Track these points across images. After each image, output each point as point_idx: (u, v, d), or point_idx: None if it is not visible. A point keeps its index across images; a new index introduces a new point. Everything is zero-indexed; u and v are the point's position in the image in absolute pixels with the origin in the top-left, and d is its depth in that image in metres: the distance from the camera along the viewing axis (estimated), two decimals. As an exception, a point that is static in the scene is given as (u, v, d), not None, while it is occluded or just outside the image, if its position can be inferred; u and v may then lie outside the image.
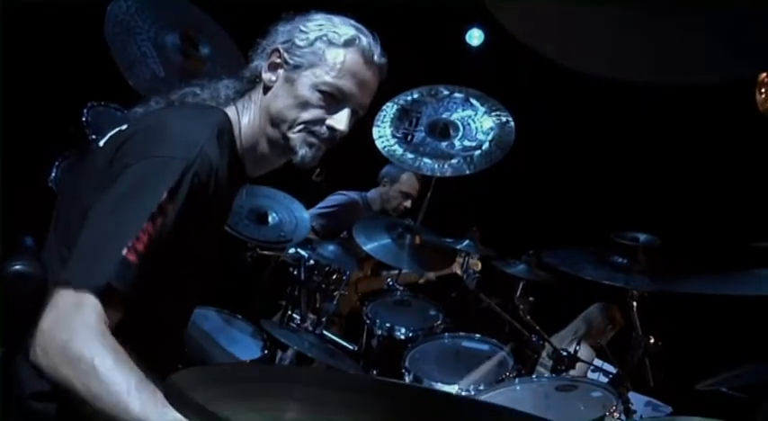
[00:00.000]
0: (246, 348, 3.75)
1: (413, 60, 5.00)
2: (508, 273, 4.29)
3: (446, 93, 4.09)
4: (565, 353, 3.84)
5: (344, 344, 4.18)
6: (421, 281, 5.05)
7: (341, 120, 1.97)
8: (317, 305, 4.30)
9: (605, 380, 3.44)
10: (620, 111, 5.98)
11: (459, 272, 4.63)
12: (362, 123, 2.13)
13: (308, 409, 0.80)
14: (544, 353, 4.40)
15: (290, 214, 4.12)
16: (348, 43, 1.96)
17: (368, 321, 4.12)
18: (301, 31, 1.98)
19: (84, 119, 3.43)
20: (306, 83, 1.94)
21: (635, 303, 3.36)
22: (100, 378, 1.49)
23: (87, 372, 1.50)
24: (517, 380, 3.28)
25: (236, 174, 1.98)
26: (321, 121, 1.96)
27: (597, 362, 4.74)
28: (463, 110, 4.10)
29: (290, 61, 1.96)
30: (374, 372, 4.01)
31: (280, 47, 1.98)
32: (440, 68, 5.06)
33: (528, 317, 4.11)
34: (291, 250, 4.21)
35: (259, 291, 4.45)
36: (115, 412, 1.47)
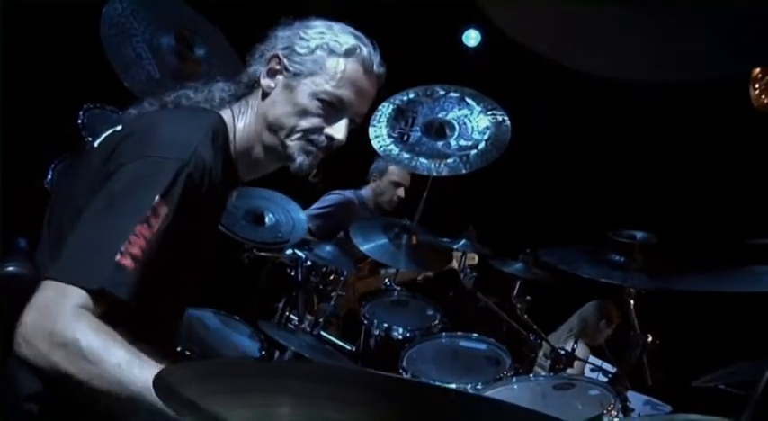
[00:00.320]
0: (244, 349, 3.75)
1: (409, 61, 5.01)
2: (505, 271, 4.29)
3: (442, 92, 4.09)
4: (562, 352, 3.84)
5: (342, 344, 4.18)
6: (419, 278, 5.05)
7: (339, 130, 1.98)
8: (315, 306, 4.30)
9: (605, 379, 3.44)
10: (616, 110, 5.99)
11: (456, 266, 4.63)
12: (360, 125, 2.13)
13: (301, 404, 0.80)
14: (541, 353, 4.40)
15: (287, 215, 4.12)
16: (349, 53, 1.97)
17: (365, 321, 4.11)
18: (302, 38, 1.98)
19: (79, 121, 3.43)
20: (305, 91, 1.95)
21: (632, 301, 3.36)
22: (89, 357, 1.50)
23: (77, 354, 1.51)
24: (515, 378, 3.29)
25: (228, 176, 1.98)
26: (319, 130, 1.97)
27: (596, 361, 4.74)
28: (459, 109, 4.10)
29: (290, 68, 1.96)
30: (372, 372, 4.00)
31: (279, 53, 1.98)
32: (436, 69, 5.06)
33: (525, 316, 4.11)
34: (288, 251, 4.21)
35: (256, 293, 4.45)
36: (115, 388, 1.48)
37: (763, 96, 1.67)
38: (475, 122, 4.09)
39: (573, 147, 6.43)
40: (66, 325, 1.53)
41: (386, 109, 4.09)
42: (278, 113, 1.96)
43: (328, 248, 4.26)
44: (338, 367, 2.94)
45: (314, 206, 5.03)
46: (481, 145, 4.07)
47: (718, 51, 0.84)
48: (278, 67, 1.98)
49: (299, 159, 1.98)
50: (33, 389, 1.70)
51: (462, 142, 4.10)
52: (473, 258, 4.77)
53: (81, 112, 3.45)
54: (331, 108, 1.96)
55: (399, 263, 4.31)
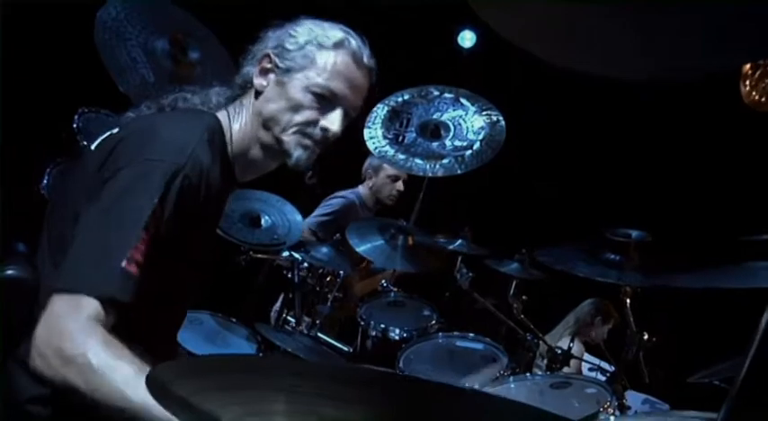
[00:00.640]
0: (241, 351, 3.75)
1: (404, 62, 5.02)
2: (501, 271, 4.30)
3: (436, 93, 4.09)
4: (559, 351, 3.85)
5: (339, 345, 4.18)
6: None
7: (334, 121, 1.98)
8: (312, 307, 4.30)
9: (603, 378, 3.45)
10: (610, 110, 6.00)
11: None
12: (353, 124, 2.14)
13: (295, 400, 0.80)
14: (537, 354, 4.41)
15: (283, 217, 4.13)
16: (338, 45, 1.98)
17: (362, 322, 4.12)
18: (291, 35, 1.99)
19: (75, 125, 3.44)
20: (297, 85, 1.96)
21: (628, 300, 3.36)
22: (97, 372, 1.51)
23: (85, 368, 1.51)
24: (511, 378, 3.29)
25: (226, 177, 1.98)
26: (314, 123, 1.98)
27: (594, 360, 4.75)
28: (453, 110, 4.10)
29: (281, 65, 1.97)
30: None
31: (270, 52, 1.99)
32: (431, 70, 5.07)
33: (522, 316, 4.12)
34: (285, 253, 4.21)
35: (253, 295, 4.46)
36: (118, 404, 1.49)
37: (753, 93, 1.68)
38: (470, 123, 4.10)
39: (567, 146, 6.44)
40: (78, 339, 1.54)
41: (381, 110, 4.09)
42: (272, 110, 1.97)
43: (324, 250, 4.27)
44: (332, 363, 2.94)
45: (318, 212, 5.03)
46: (476, 145, 4.07)
47: (708, 48, 0.84)
48: (269, 65, 2.00)
49: (296, 154, 1.99)
50: (35, 391, 1.70)
51: (457, 143, 4.10)
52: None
53: (76, 116, 3.46)
54: (324, 101, 1.97)
55: (395, 264, 4.32)
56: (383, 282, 4.68)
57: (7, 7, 2.77)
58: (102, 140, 1.89)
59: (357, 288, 4.92)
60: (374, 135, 4.11)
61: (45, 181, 3.45)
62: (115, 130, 1.90)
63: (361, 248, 4.19)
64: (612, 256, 3.24)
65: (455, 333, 3.79)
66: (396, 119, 4.11)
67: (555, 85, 5.17)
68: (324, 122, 1.98)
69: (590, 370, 4.47)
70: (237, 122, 2.01)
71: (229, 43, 3.14)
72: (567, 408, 3.03)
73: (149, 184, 1.70)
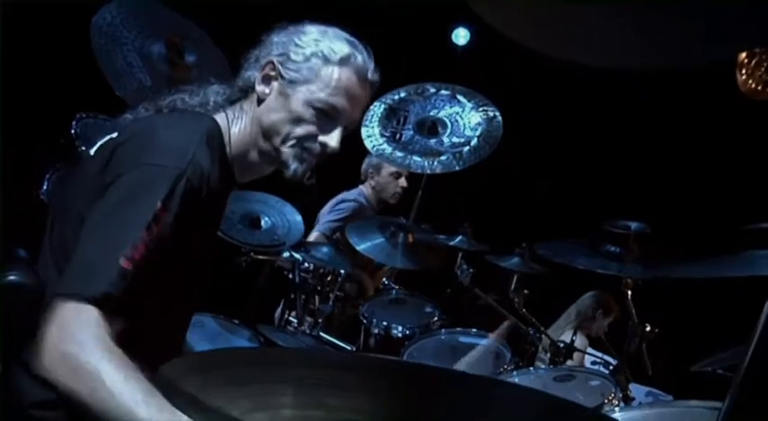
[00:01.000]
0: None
1: (400, 60, 5.02)
2: (502, 266, 4.30)
3: (433, 90, 4.09)
4: (561, 344, 3.86)
5: (342, 344, 4.19)
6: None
7: (333, 138, 1.98)
8: (314, 307, 4.31)
9: (607, 371, 3.46)
10: (607, 103, 6.01)
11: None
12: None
13: (302, 392, 0.81)
14: (540, 348, 4.41)
15: (283, 218, 4.13)
16: (343, 61, 1.97)
17: (364, 321, 4.12)
18: (296, 44, 1.98)
19: (73, 130, 3.44)
20: (300, 98, 1.95)
21: (629, 292, 3.37)
22: (108, 389, 1.50)
23: (94, 384, 1.51)
24: (515, 372, 3.30)
25: (225, 179, 1.99)
26: (314, 137, 1.97)
27: (597, 353, 4.75)
28: (450, 106, 4.11)
29: (285, 75, 1.96)
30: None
31: (275, 59, 1.98)
32: (427, 68, 5.07)
33: (524, 311, 4.13)
34: (285, 254, 4.21)
35: (255, 296, 4.46)
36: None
37: (750, 81, 1.68)
38: (467, 119, 4.10)
39: (565, 140, 6.44)
40: (85, 350, 1.54)
41: (377, 108, 4.09)
42: (273, 120, 1.97)
43: (325, 249, 4.28)
44: (339, 353, 2.94)
45: (329, 218, 5.02)
46: (473, 141, 4.07)
47: (703, 37, 0.84)
48: (273, 73, 1.99)
49: (293, 166, 1.99)
50: (39, 396, 1.70)
51: (455, 139, 4.10)
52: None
53: (74, 122, 3.46)
54: (325, 116, 1.96)
55: (396, 261, 4.32)
56: (384, 279, 4.69)
57: (5, 13, 2.77)
58: (102, 145, 1.89)
59: (370, 284, 4.91)
60: (372, 133, 4.11)
61: (44, 186, 3.45)
62: (114, 134, 1.89)
63: (362, 247, 4.19)
64: (612, 248, 3.26)
65: (457, 329, 3.81)
66: (393, 116, 4.12)
67: (551, 80, 5.18)
68: (323, 138, 1.97)
69: (593, 363, 4.47)
70: (237, 126, 2.01)
71: (225, 44, 3.15)
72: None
73: (152, 189, 1.70)
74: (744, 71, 1.68)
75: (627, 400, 3.08)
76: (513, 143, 4.22)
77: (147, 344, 1.58)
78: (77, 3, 3.19)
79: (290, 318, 4.21)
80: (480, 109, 4.10)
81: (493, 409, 0.79)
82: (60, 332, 1.56)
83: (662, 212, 4.49)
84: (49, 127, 3.56)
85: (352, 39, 2.03)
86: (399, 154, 4.17)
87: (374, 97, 4.02)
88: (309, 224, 4.78)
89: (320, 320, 4.17)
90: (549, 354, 4.05)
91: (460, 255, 4.43)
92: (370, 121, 4.10)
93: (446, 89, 4.10)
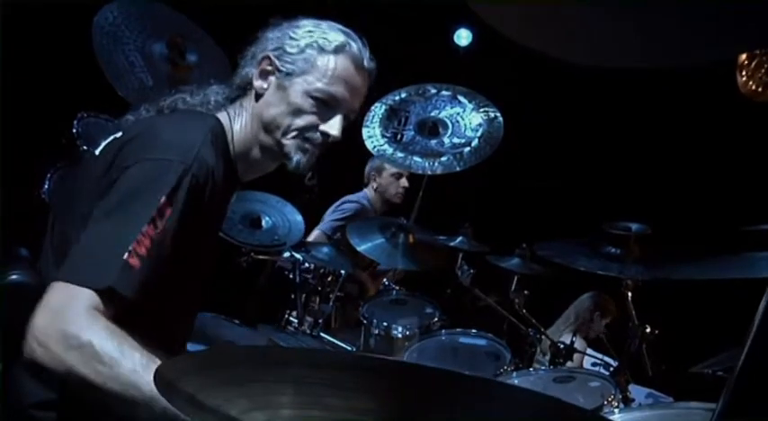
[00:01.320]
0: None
1: (401, 61, 5.02)
2: (502, 267, 4.30)
3: (433, 91, 4.09)
4: (561, 346, 3.86)
5: (342, 345, 4.19)
6: None
7: (334, 126, 1.99)
8: (314, 307, 4.31)
9: (607, 373, 3.46)
10: (606, 104, 6.01)
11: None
12: (352, 124, 2.15)
13: (302, 392, 0.81)
14: (538, 350, 4.42)
15: (284, 218, 4.13)
16: (338, 49, 1.98)
17: (365, 321, 4.12)
18: (291, 38, 1.99)
19: (74, 130, 3.44)
20: (298, 90, 1.96)
21: (630, 293, 3.37)
22: (105, 360, 1.51)
23: (92, 357, 1.51)
24: (515, 373, 3.30)
25: (229, 177, 1.99)
26: (315, 127, 1.98)
27: (597, 354, 4.75)
28: (451, 107, 4.10)
29: (282, 68, 1.98)
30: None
31: (270, 54, 1.99)
32: (428, 69, 5.07)
33: (524, 312, 4.13)
34: (286, 254, 4.21)
35: (255, 296, 4.46)
36: (127, 392, 1.49)
37: (750, 82, 1.69)
38: (467, 120, 4.10)
39: (566, 141, 6.45)
40: (80, 327, 1.54)
41: (378, 109, 4.09)
42: (272, 114, 1.97)
43: (325, 250, 4.28)
44: (339, 353, 2.95)
45: (332, 217, 5.06)
46: (474, 142, 4.07)
47: (703, 37, 0.84)
48: (269, 67, 2.00)
49: (296, 157, 2.00)
50: (40, 396, 1.71)
51: (456, 140, 4.10)
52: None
53: (76, 121, 3.46)
54: (324, 105, 1.98)
55: (396, 262, 4.33)
56: (385, 280, 4.69)
57: (5, 13, 2.78)
58: (107, 145, 1.90)
59: (371, 285, 4.91)
60: (372, 134, 4.11)
61: (46, 186, 3.45)
62: (118, 134, 1.90)
63: (362, 247, 4.19)
64: (613, 250, 3.26)
65: (458, 330, 3.81)
66: (394, 117, 4.11)
67: (551, 82, 5.19)
68: (324, 127, 1.98)
69: (593, 364, 4.47)
70: (238, 123, 2.01)
71: (225, 44, 3.15)
72: (571, 402, 3.04)
73: (157, 182, 1.71)
74: (744, 73, 1.68)
75: (627, 402, 3.08)
76: (514, 144, 4.22)
77: (150, 340, 1.59)
78: (79, 2, 3.19)
79: (291, 318, 4.22)
80: (481, 110, 4.10)
81: (492, 410, 0.79)
82: (52, 313, 1.57)
83: (662, 213, 4.48)
84: (50, 126, 3.56)
85: (345, 29, 2.05)
86: (400, 154, 4.17)
87: (375, 98, 4.07)
88: (310, 224, 4.78)
89: (320, 320, 4.17)
90: (547, 357, 4.06)
91: (461, 255, 4.43)
92: (372, 122, 4.10)
93: (447, 90, 4.10)
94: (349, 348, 4.24)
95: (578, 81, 4.90)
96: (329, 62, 1.97)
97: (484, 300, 4.30)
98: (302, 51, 1.98)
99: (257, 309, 4.36)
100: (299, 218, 4.21)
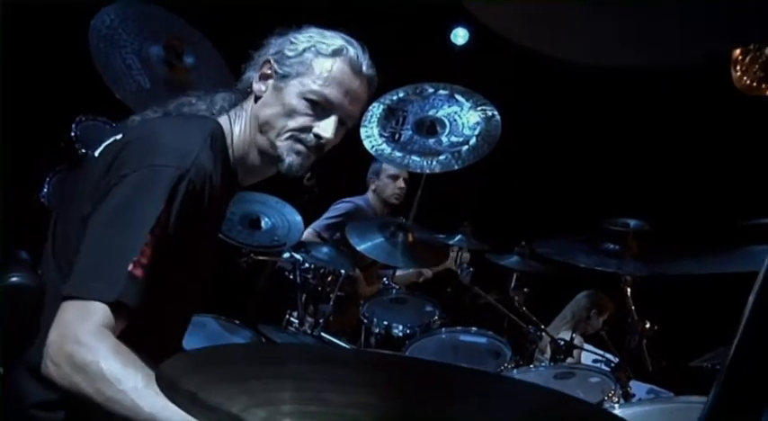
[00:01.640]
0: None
1: (398, 60, 5.03)
2: (502, 265, 4.32)
3: (431, 90, 4.10)
4: (561, 342, 3.87)
5: (343, 344, 4.20)
6: (420, 280, 5.07)
7: (327, 128, 1.98)
8: (315, 307, 4.32)
9: (608, 369, 3.47)
10: (604, 101, 6.02)
11: (453, 267, 4.65)
12: (351, 128, 2.15)
13: (302, 388, 0.81)
14: (537, 349, 4.43)
15: (283, 218, 4.13)
16: (336, 53, 1.98)
17: (365, 320, 4.13)
18: (291, 42, 2.00)
19: (73, 133, 3.45)
20: (293, 91, 1.96)
21: (629, 289, 3.38)
22: (108, 379, 1.53)
23: (96, 376, 1.54)
24: (515, 370, 3.31)
25: (228, 181, 2.00)
26: (308, 129, 1.98)
27: (598, 351, 4.76)
28: (449, 106, 4.11)
29: (280, 71, 1.98)
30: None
31: (270, 58, 2.00)
32: (425, 68, 5.08)
33: (524, 309, 4.14)
34: (286, 254, 4.22)
35: (255, 296, 4.47)
36: (128, 412, 1.51)
37: (745, 77, 1.69)
38: (465, 119, 4.10)
39: (563, 138, 6.45)
40: (87, 346, 1.57)
41: (376, 109, 4.10)
42: (267, 114, 1.98)
43: (325, 250, 4.29)
44: (339, 349, 2.94)
45: (325, 216, 5.06)
46: (472, 140, 4.07)
47: (697, 32, 0.84)
48: (269, 71, 2.01)
49: (288, 159, 1.99)
50: (41, 397, 1.72)
51: (453, 138, 4.10)
52: (467, 258, 4.79)
53: (74, 125, 3.47)
54: (319, 108, 1.97)
55: (396, 261, 4.33)
56: (384, 279, 4.70)
57: (3, 14, 2.78)
58: (107, 146, 1.90)
59: (365, 291, 4.92)
60: (370, 134, 4.11)
61: (45, 189, 3.46)
62: (119, 136, 1.91)
63: (362, 247, 4.20)
64: (612, 246, 3.26)
65: (458, 328, 3.82)
66: (391, 117, 4.12)
67: (549, 80, 5.19)
68: (317, 129, 1.97)
69: (595, 361, 4.48)
70: (238, 126, 2.02)
71: (223, 46, 3.16)
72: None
73: (155, 190, 1.72)
74: (738, 68, 1.69)
75: (627, 397, 3.09)
76: (512, 142, 4.22)
77: (145, 345, 1.60)
78: (76, 5, 3.20)
79: (292, 319, 4.22)
80: (479, 108, 4.10)
81: (492, 404, 0.80)
82: (62, 331, 1.60)
83: (661, 209, 4.49)
84: (48, 130, 3.57)
85: (347, 37, 2.05)
86: (398, 154, 4.17)
87: (373, 97, 4.07)
88: (309, 224, 4.79)
89: (321, 320, 4.18)
90: (546, 354, 4.07)
91: (461, 253, 4.44)
92: (369, 122, 4.10)
93: (444, 89, 4.11)
94: (349, 347, 4.26)
95: (576, 79, 4.91)
96: (325, 65, 1.97)
97: (484, 298, 4.31)
98: (300, 54, 1.98)
99: (258, 309, 4.37)
100: (299, 218, 4.21)
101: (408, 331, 4.05)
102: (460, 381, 0.78)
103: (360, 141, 4.10)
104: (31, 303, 1.77)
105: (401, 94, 4.12)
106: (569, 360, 3.89)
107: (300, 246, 4.23)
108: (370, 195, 5.28)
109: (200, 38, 3.25)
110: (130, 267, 1.62)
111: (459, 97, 4.12)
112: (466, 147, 4.10)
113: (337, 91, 1.98)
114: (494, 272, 4.45)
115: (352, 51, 2.01)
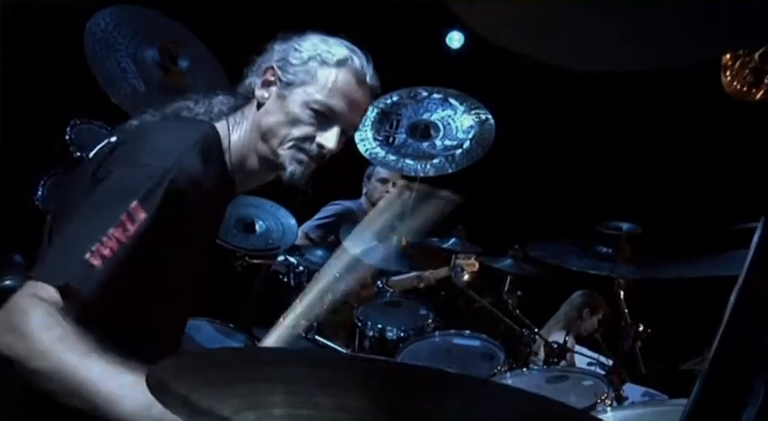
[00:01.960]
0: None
1: (392, 63, 5.03)
2: (495, 268, 4.32)
3: (425, 94, 4.11)
4: (555, 345, 3.88)
5: (337, 347, 4.20)
6: (421, 285, 5.06)
7: (330, 139, 1.97)
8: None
9: (603, 372, 3.48)
10: (597, 105, 6.04)
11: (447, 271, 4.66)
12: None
13: (293, 391, 0.82)
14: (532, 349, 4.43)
15: (277, 221, 4.14)
16: (340, 63, 1.98)
17: (359, 323, 4.13)
18: (296, 49, 1.99)
19: (67, 137, 3.45)
20: (297, 100, 1.96)
21: (622, 292, 3.39)
22: (28, 336, 1.51)
23: (19, 335, 1.52)
24: (509, 373, 3.32)
25: (223, 186, 2.00)
26: (311, 139, 1.97)
27: (593, 354, 4.77)
28: (443, 110, 4.12)
29: (283, 79, 1.97)
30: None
31: (274, 65, 1.99)
32: (420, 72, 5.09)
33: (517, 312, 4.15)
34: (281, 257, 4.22)
35: (250, 300, 4.47)
36: (53, 374, 1.50)
37: (734, 83, 1.69)
38: (459, 122, 4.11)
39: (557, 142, 6.47)
40: (23, 309, 1.55)
41: (370, 112, 4.09)
42: (270, 122, 1.97)
43: (320, 253, 4.29)
44: (329, 352, 2.94)
45: (315, 217, 5.05)
46: (466, 144, 4.08)
47: (687, 38, 0.84)
48: (272, 78, 2.00)
49: (291, 168, 1.99)
50: (34, 397, 1.72)
51: (447, 142, 4.11)
52: (473, 265, 4.78)
53: (69, 128, 3.47)
54: (322, 117, 1.97)
55: (390, 264, 4.33)
56: (378, 283, 4.69)
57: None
58: (100, 148, 1.91)
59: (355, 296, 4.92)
60: (364, 137, 4.12)
61: (39, 192, 3.46)
62: (113, 138, 1.91)
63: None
64: (604, 249, 3.28)
65: (452, 331, 3.82)
66: (385, 120, 4.12)
67: (542, 84, 5.20)
68: (320, 139, 1.97)
69: (589, 364, 4.49)
70: (237, 132, 2.01)
71: (218, 50, 3.16)
72: (565, 402, 3.06)
73: (131, 187, 1.71)
74: (728, 73, 1.69)
75: (620, 400, 3.10)
76: (506, 145, 4.23)
77: (140, 346, 1.60)
78: (71, 9, 3.20)
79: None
80: (472, 112, 4.11)
81: (480, 409, 0.80)
82: (9, 301, 1.57)
83: (653, 213, 4.51)
84: (43, 133, 3.57)
85: (352, 46, 2.05)
86: (392, 157, 4.17)
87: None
88: (303, 227, 4.80)
89: (315, 323, 4.18)
90: (539, 356, 4.07)
91: (454, 257, 4.45)
92: (363, 126, 4.10)
93: (438, 92, 4.12)
94: (343, 350, 4.26)
95: (569, 82, 4.93)
96: (330, 75, 1.97)
97: (478, 302, 4.31)
98: (305, 63, 1.98)
99: (252, 312, 4.37)
100: (293, 221, 4.22)
101: (402, 334, 4.05)
102: (449, 386, 0.79)
103: (354, 145, 4.11)
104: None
105: (395, 98, 4.13)
106: (563, 363, 3.90)
107: (295, 249, 4.23)
108: (363, 199, 5.28)
109: (195, 41, 3.26)
110: (87, 255, 1.61)
111: (452, 101, 4.13)
112: (460, 151, 4.10)
113: (341, 101, 1.98)
114: (487, 275, 4.46)
115: (356, 61, 2.00)
